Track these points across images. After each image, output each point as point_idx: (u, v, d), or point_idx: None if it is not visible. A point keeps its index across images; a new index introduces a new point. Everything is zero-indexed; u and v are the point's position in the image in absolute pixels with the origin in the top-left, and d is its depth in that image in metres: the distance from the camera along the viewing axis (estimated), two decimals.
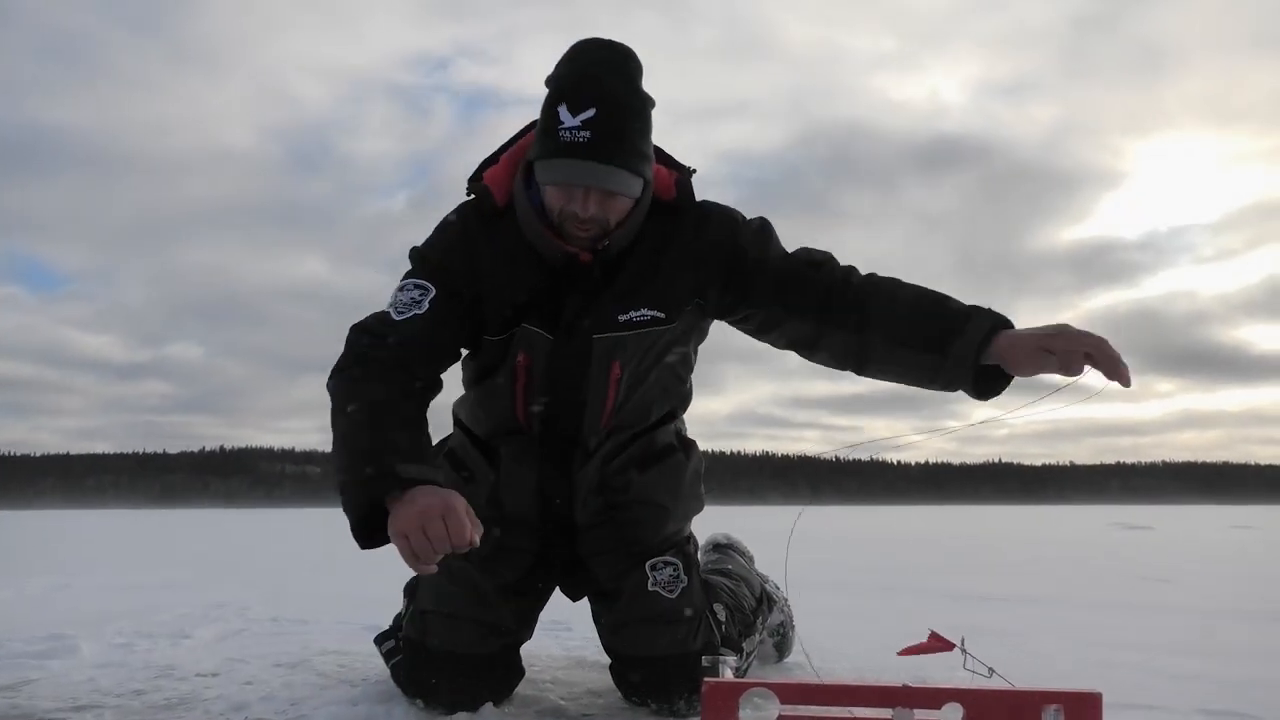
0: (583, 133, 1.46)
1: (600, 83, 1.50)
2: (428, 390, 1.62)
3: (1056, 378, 1.45)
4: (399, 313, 1.60)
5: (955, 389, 1.56)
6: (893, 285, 1.62)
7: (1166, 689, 1.92)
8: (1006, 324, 1.51)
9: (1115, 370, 1.39)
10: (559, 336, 1.64)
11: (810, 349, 1.70)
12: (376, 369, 1.55)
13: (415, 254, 1.68)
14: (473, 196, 1.68)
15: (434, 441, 1.90)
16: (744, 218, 1.74)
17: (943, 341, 1.52)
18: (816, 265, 1.67)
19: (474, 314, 1.64)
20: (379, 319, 1.61)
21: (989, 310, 1.53)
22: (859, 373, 1.67)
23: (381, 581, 4.77)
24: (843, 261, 1.69)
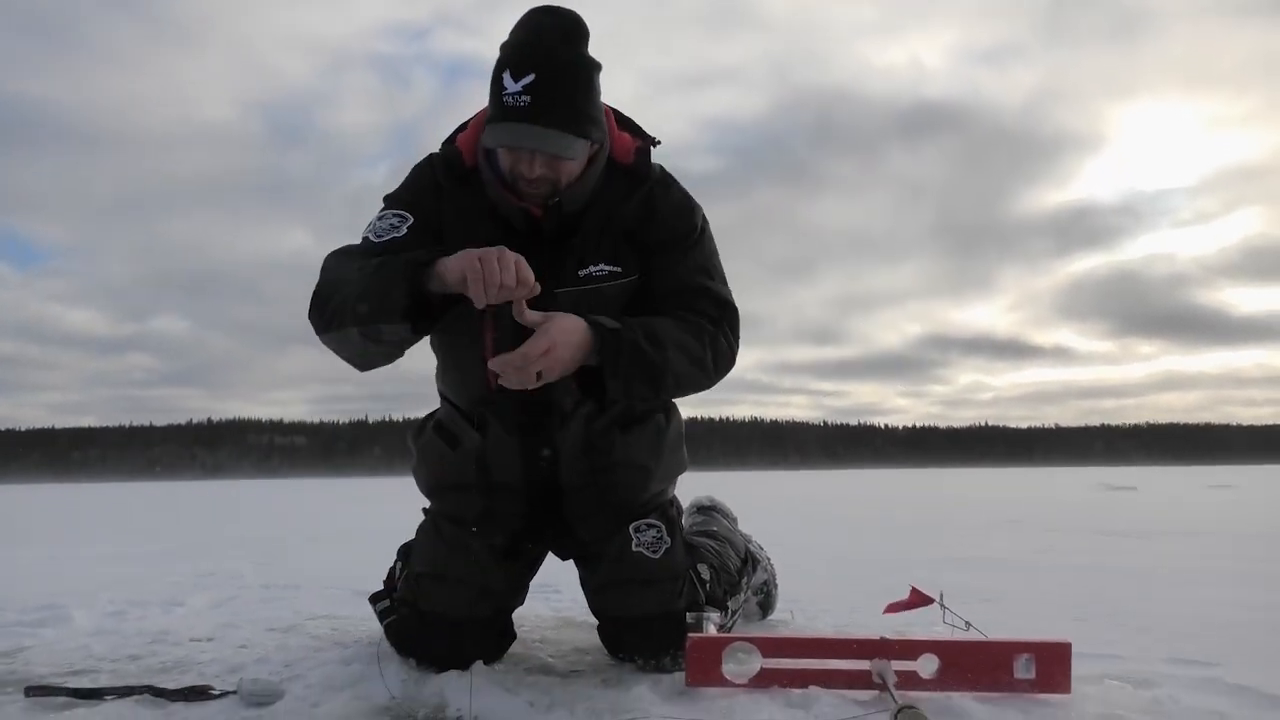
0: (523, 97, 1.51)
1: (541, 48, 1.54)
2: None
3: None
4: (378, 236, 1.65)
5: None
6: (696, 332, 1.66)
7: (1134, 640, 1.98)
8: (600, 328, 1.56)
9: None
10: None
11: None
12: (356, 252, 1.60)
13: (388, 197, 1.74)
14: (440, 155, 1.74)
15: (421, 416, 1.93)
16: (700, 213, 1.77)
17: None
18: (700, 297, 1.69)
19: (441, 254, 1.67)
20: (357, 244, 1.66)
21: (615, 325, 1.58)
22: None
23: (368, 549, 4.81)
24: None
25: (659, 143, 1.77)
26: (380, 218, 1.69)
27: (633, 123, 1.77)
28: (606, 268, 1.69)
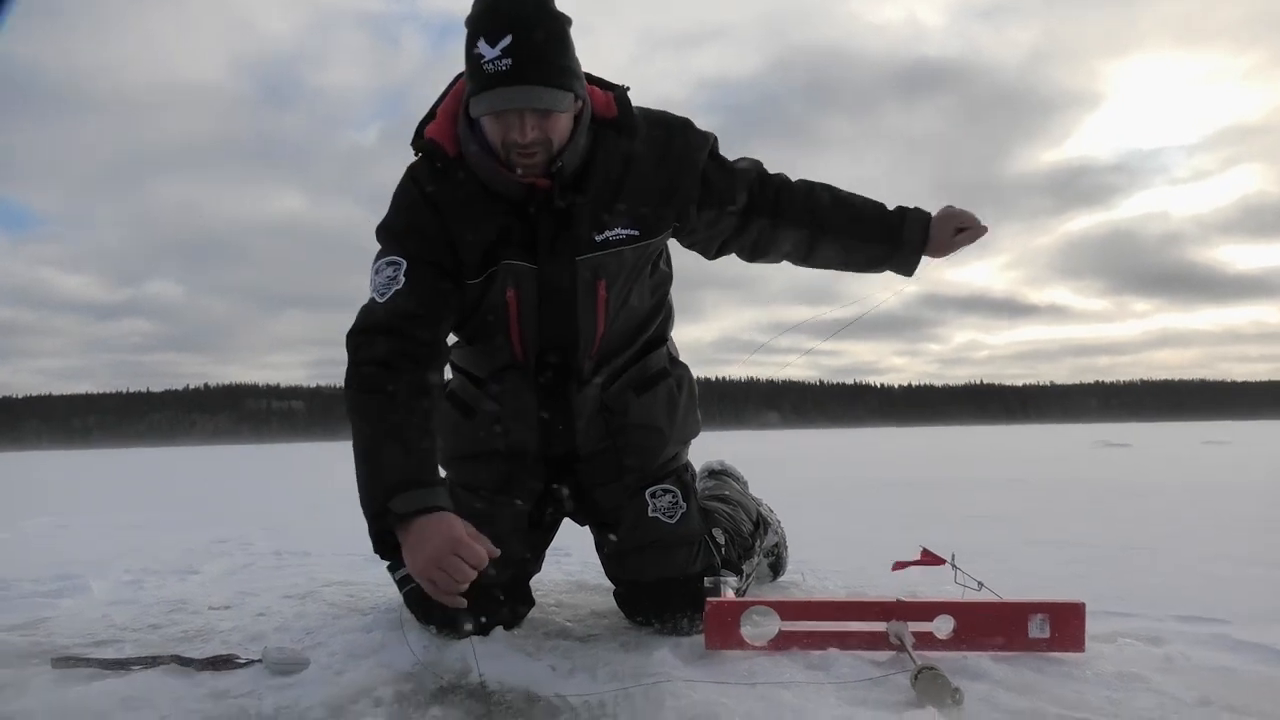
0: (504, 60, 1.49)
1: (511, 10, 1.51)
2: (432, 359, 1.64)
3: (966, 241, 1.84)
4: (380, 294, 1.63)
5: (899, 270, 1.87)
6: (830, 193, 1.84)
7: (1141, 598, 2.01)
8: (927, 216, 1.83)
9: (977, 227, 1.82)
10: (542, 264, 1.66)
11: (765, 251, 1.88)
12: (369, 376, 1.59)
13: (380, 230, 1.70)
14: (420, 155, 1.69)
15: None
16: (700, 132, 1.78)
17: (891, 234, 1.82)
18: (762, 173, 1.84)
19: (451, 265, 1.66)
20: (365, 311, 1.65)
21: (914, 208, 1.84)
22: (802, 263, 1.91)
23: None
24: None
25: (629, 88, 1.74)
26: (377, 270, 1.66)
27: (595, 76, 1.74)
28: (624, 231, 1.68)
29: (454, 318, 1.70)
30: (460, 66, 1.62)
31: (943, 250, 1.83)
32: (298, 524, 4.46)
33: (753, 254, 1.88)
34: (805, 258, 1.87)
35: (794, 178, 1.85)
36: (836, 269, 1.89)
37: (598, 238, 1.67)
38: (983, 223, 1.81)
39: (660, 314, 1.85)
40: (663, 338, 1.87)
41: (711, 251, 1.86)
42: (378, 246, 1.69)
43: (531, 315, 1.69)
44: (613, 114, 1.69)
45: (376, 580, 2.52)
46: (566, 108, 1.56)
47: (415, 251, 1.64)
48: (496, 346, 1.74)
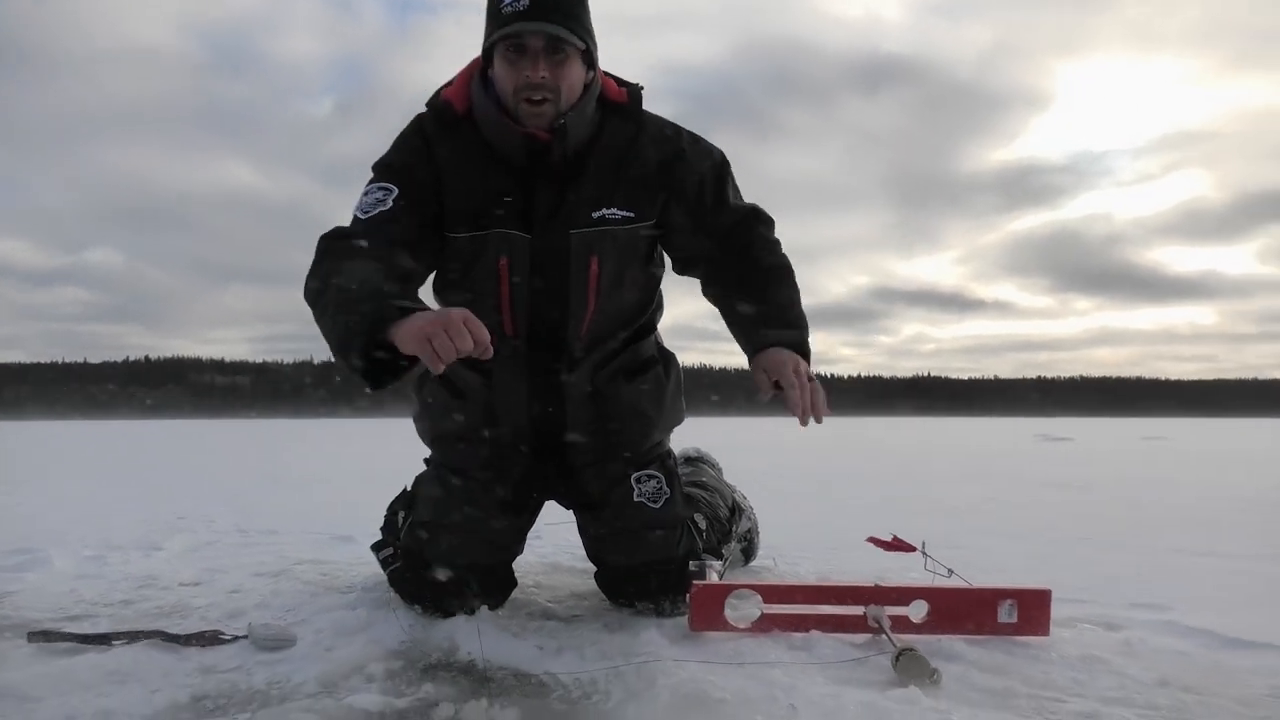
0: (521, 2, 1.58)
1: None
2: (409, 278, 1.65)
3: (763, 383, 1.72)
4: (364, 212, 1.65)
5: (743, 343, 1.80)
6: (786, 263, 1.84)
7: (1099, 586, 2.11)
8: (799, 347, 1.73)
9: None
10: (536, 235, 1.69)
11: (694, 269, 1.89)
12: (350, 256, 1.57)
13: (376, 165, 1.72)
14: (430, 109, 1.74)
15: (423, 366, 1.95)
16: (710, 144, 1.83)
17: (768, 318, 1.77)
18: (752, 215, 1.84)
19: (436, 215, 1.69)
20: (348, 224, 1.66)
21: (802, 330, 1.79)
22: (706, 287, 1.89)
23: (336, 492, 4.80)
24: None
25: (642, 87, 1.81)
26: (366, 192, 1.68)
27: (611, 73, 1.81)
28: (620, 212, 1.71)
29: (428, 262, 1.73)
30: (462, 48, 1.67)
31: (754, 372, 1.74)
32: (257, 500, 4.41)
33: (689, 270, 1.90)
34: (710, 280, 1.87)
35: (775, 230, 1.86)
36: (717, 303, 1.88)
37: (594, 214, 1.70)
38: (795, 396, 1.62)
39: (652, 303, 1.88)
40: (652, 326, 1.91)
41: (678, 264, 1.89)
42: (349, 178, 1.74)
43: (523, 286, 1.71)
44: (623, 100, 1.74)
45: (349, 559, 2.53)
46: (576, 49, 1.62)
47: (406, 189, 1.67)
48: (485, 317, 1.75)
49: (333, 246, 1.61)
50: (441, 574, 1.70)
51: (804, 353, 1.72)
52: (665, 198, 1.76)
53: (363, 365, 1.42)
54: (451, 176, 1.68)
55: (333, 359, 1.50)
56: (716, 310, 1.89)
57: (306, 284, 1.59)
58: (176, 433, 20.95)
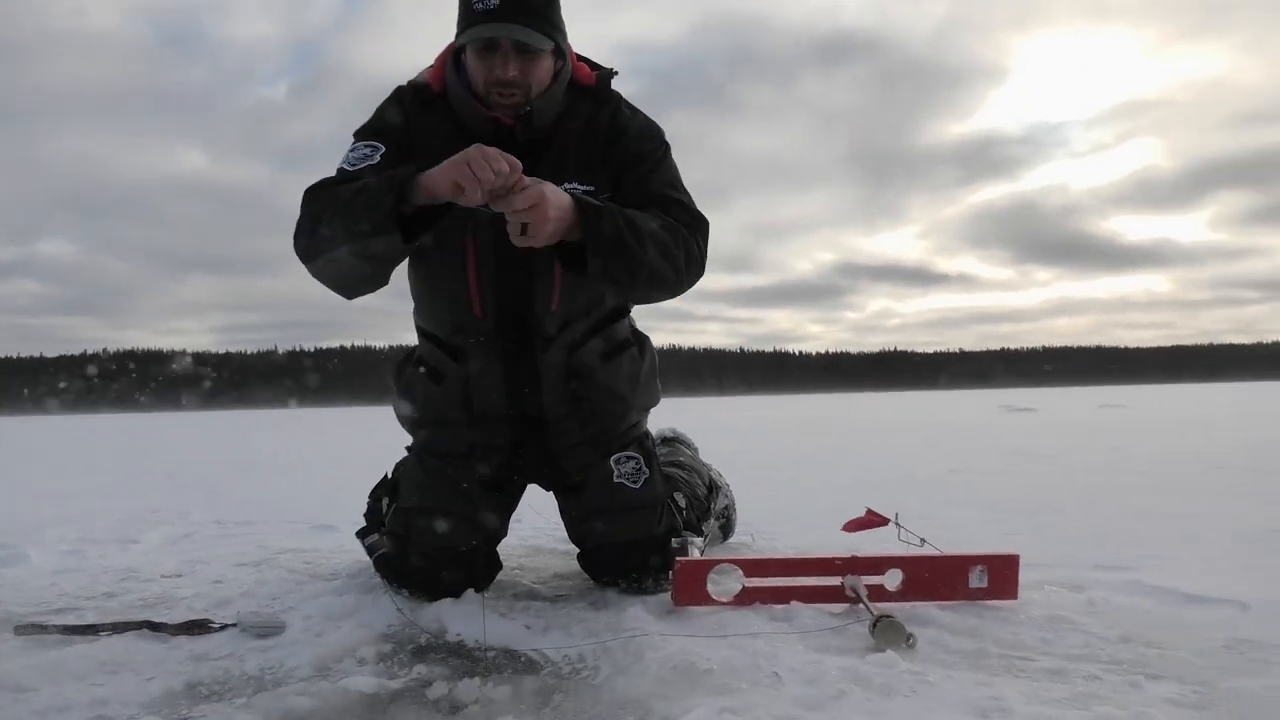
0: (493, 0, 1.62)
1: None
2: None
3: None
4: (352, 165, 1.70)
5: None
6: (672, 228, 1.70)
7: (1059, 549, 2.19)
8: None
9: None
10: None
11: None
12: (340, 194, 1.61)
13: (359, 129, 1.78)
14: (408, 84, 1.81)
15: (402, 354, 1.96)
16: (663, 135, 1.85)
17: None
18: (673, 206, 1.74)
19: None
20: (334, 175, 1.70)
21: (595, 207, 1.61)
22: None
23: (309, 482, 4.79)
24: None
25: (616, 73, 1.86)
26: (353, 149, 1.74)
27: (586, 57, 1.86)
28: (580, 186, 1.73)
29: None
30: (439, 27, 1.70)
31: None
32: (231, 491, 4.39)
33: None
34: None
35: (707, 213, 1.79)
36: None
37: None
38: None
39: None
40: (625, 309, 1.93)
41: None
42: (350, 142, 1.77)
43: (489, 263, 1.73)
44: (591, 83, 1.79)
45: (330, 547, 2.54)
46: (543, 49, 1.67)
47: (390, 148, 1.73)
48: (455, 298, 1.76)
49: (320, 194, 1.65)
50: (427, 557, 1.73)
51: (588, 211, 1.57)
52: (612, 171, 1.79)
53: (395, 213, 1.51)
54: (424, 149, 1.70)
55: (349, 255, 1.56)
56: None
57: (296, 236, 1.64)
58: (141, 426, 20.64)
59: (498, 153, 1.46)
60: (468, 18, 1.66)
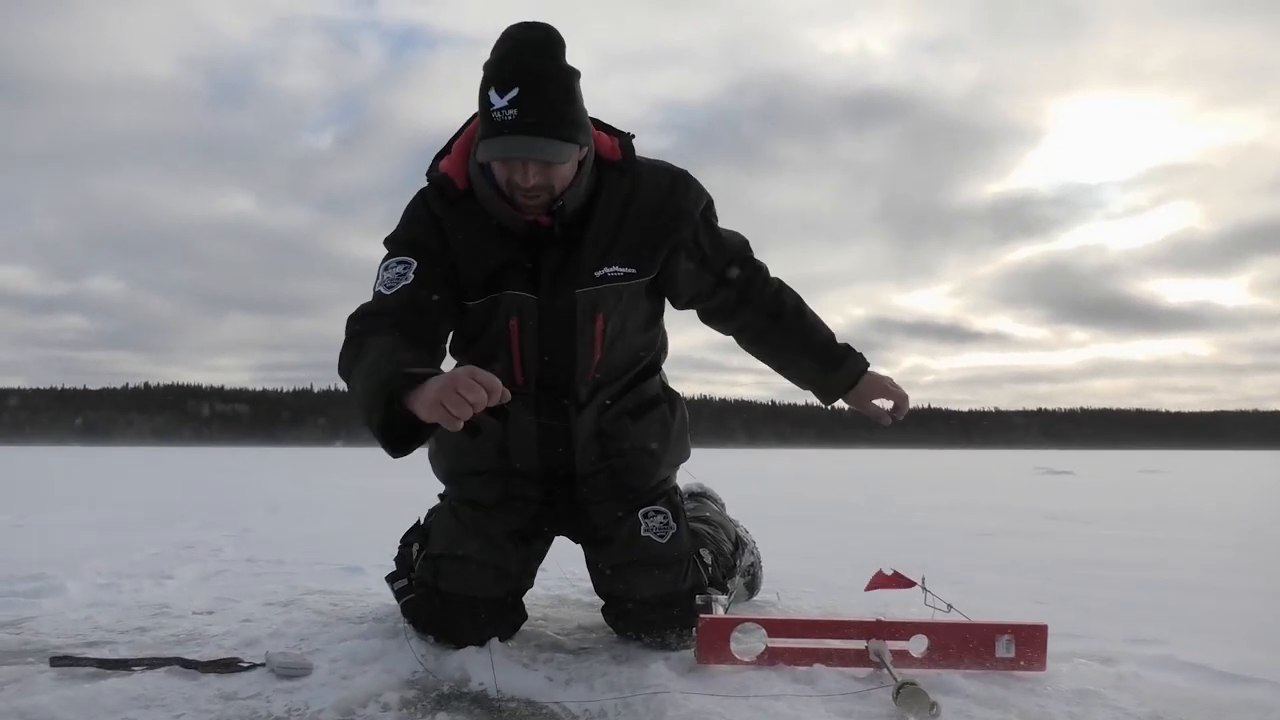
0: (510, 111, 1.57)
1: (522, 62, 1.60)
2: (434, 344, 1.71)
3: (878, 411, 1.99)
4: (388, 287, 1.71)
5: (820, 394, 2.01)
6: (798, 300, 1.98)
7: (1092, 621, 2.15)
8: (865, 367, 1.97)
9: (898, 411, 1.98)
10: (543, 296, 1.75)
11: (721, 319, 1.99)
12: (375, 332, 1.63)
13: (389, 240, 1.78)
14: (431, 185, 1.78)
15: None
16: (699, 186, 1.87)
17: (832, 363, 1.96)
18: (748, 252, 1.96)
19: (454, 282, 1.75)
20: (371, 300, 1.71)
21: (859, 353, 1.98)
22: (745, 347, 2.02)
23: (340, 523, 4.83)
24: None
25: (634, 136, 1.85)
26: (386, 268, 1.73)
27: (602, 122, 1.83)
28: (621, 269, 1.77)
29: (451, 326, 1.78)
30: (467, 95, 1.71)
31: (861, 405, 1.97)
32: (262, 529, 4.45)
33: (709, 319, 1.99)
34: (751, 343, 1.99)
35: (771, 271, 1.98)
36: (770, 366, 2.01)
37: (597, 273, 1.75)
38: (904, 405, 1.97)
39: (655, 345, 1.94)
40: (656, 366, 1.97)
41: (681, 303, 1.94)
42: (383, 252, 1.78)
43: (532, 342, 1.78)
44: (616, 157, 1.78)
45: (358, 590, 2.57)
46: (566, 159, 1.64)
47: (423, 261, 1.72)
48: (499, 371, 1.81)
49: (359, 326, 1.67)
50: (454, 605, 1.75)
51: (866, 365, 1.97)
52: (667, 250, 1.81)
53: (384, 435, 1.51)
54: (461, 248, 1.74)
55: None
56: (740, 348, 2.03)
57: (339, 365, 1.66)
58: (177, 460, 20.94)
59: (476, 375, 1.38)
60: (486, 124, 1.60)
